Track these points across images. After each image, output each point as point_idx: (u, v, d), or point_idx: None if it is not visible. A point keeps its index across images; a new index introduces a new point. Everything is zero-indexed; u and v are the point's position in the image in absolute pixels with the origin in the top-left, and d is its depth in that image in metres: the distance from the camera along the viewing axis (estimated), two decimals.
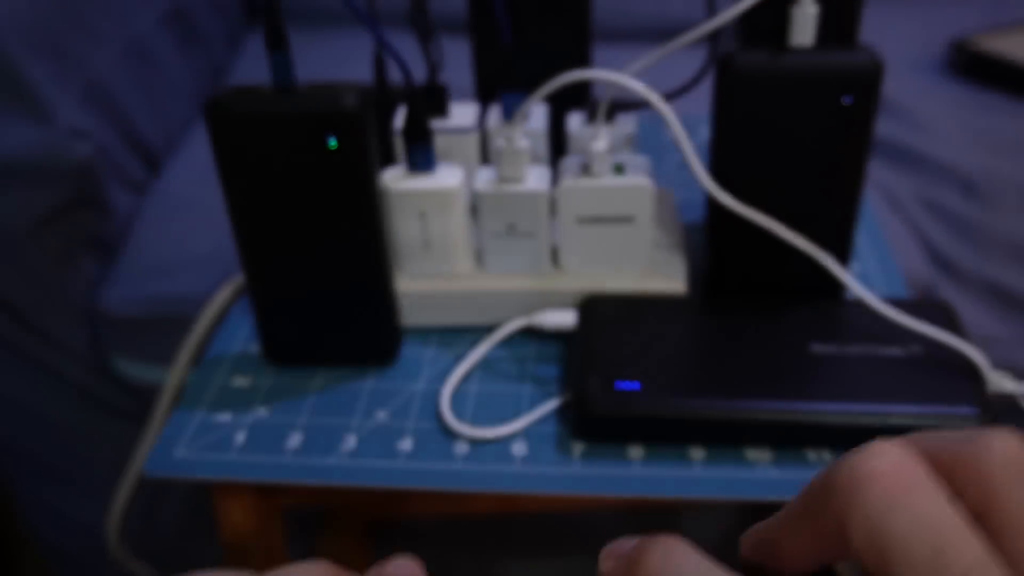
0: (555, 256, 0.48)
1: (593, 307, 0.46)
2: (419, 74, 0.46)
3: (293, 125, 0.40)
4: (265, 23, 0.38)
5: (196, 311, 0.54)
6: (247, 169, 0.41)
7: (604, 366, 0.42)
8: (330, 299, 0.45)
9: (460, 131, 0.51)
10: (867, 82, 0.41)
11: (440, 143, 0.48)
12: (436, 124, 0.47)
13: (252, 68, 1.04)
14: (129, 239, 0.73)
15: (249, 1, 1.14)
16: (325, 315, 0.46)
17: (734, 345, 0.43)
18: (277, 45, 0.39)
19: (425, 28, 0.48)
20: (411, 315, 0.49)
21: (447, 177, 0.45)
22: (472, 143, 0.52)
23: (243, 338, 0.50)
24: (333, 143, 0.40)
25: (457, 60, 0.54)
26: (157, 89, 0.83)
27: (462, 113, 0.53)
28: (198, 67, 0.95)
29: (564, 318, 0.47)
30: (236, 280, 0.54)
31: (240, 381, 0.47)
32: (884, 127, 0.83)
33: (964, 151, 0.79)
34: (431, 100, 0.49)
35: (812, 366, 0.42)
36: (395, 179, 0.45)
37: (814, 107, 0.42)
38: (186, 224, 0.73)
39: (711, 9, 0.42)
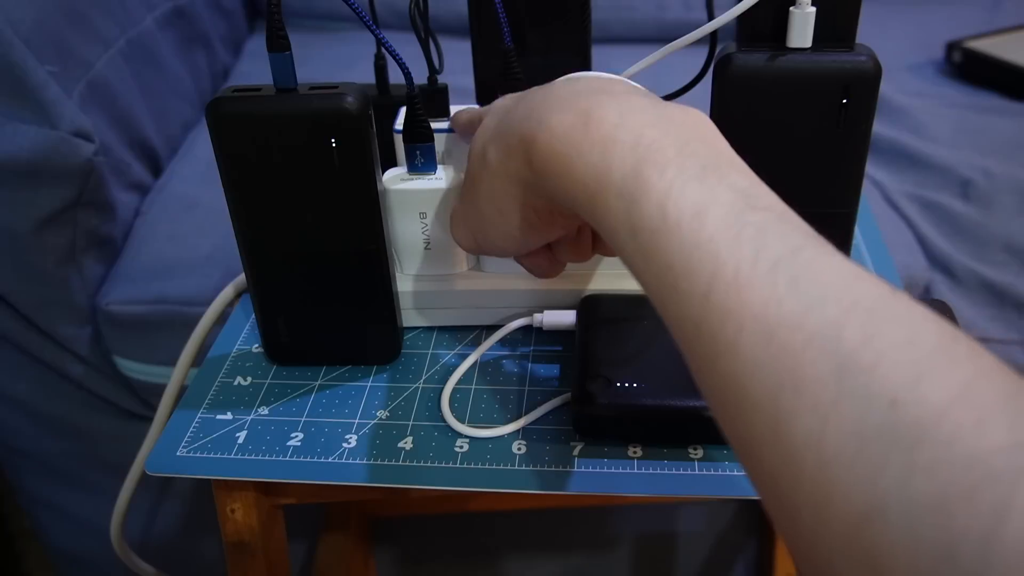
0: None
1: (593, 307, 0.46)
2: (419, 75, 0.46)
3: (294, 126, 0.40)
4: (267, 24, 0.39)
5: (198, 310, 0.54)
6: (248, 169, 0.41)
7: (604, 366, 0.42)
8: (331, 299, 0.45)
9: None
10: (866, 83, 0.41)
11: (440, 144, 0.48)
12: (436, 125, 0.47)
13: (254, 69, 1.04)
14: (131, 239, 0.73)
15: (251, 2, 1.14)
16: (326, 315, 0.46)
17: None
18: (278, 46, 0.39)
19: (426, 29, 0.48)
20: (411, 315, 0.49)
21: (447, 177, 0.46)
22: None
23: (244, 338, 0.51)
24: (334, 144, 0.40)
25: (457, 61, 0.55)
26: (159, 90, 0.83)
27: None
28: (199, 68, 0.96)
29: (564, 318, 0.47)
30: (237, 280, 0.54)
31: (241, 380, 0.47)
32: (881, 128, 0.83)
33: (960, 152, 0.79)
34: (431, 101, 0.49)
35: None
36: (395, 179, 0.46)
37: (812, 108, 0.42)
38: (187, 224, 0.73)
39: (710, 10, 0.43)
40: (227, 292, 0.54)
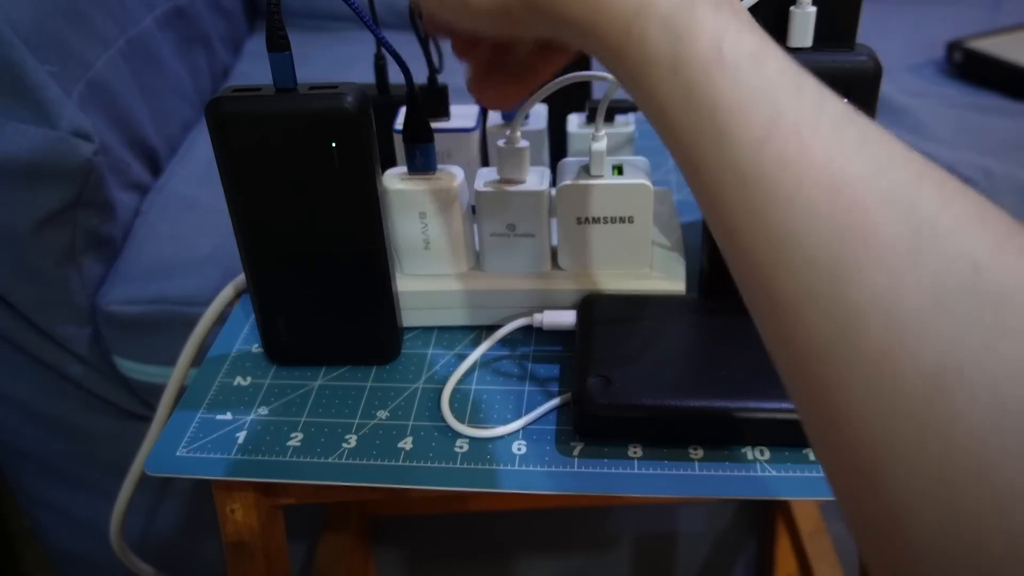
0: (555, 256, 0.49)
1: (593, 307, 0.46)
2: (420, 75, 0.46)
3: (294, 125, 0.40)
4: (267, 24, 0.39)
5: (197, 310, 0.54)
6: (248, 169, 0.41)
7: (604, 366, 0.42)
8: (331, 299, 0.45)
9: (461, 131, 0.51)
10: (866, 83, 0.41)
11: (440, 143, 0.48)
12: (436, 125, 0.47)
13: (254, 69, 1.04)
14: (130, 239, 0.73)
15: (251, 2, 1.14)
16: (326, 315, 0.46)
17: (733, 345, 0.43)
18: (278, 46, 0.39)
19: (426, 29, 0.48)
20: (411, 315, 0.49)
21: (447, 177, 0.45)
22: (473, 143, 0.52)
23: (244, 338, 0.51)
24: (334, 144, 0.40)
25: (457, 61, 0.55)
26: (158, 89, 0.83)
27: (462, 114, 0.53)
28: (199, 67, 0.96)
29: (564, 318, 0.47)
30: (237, 280, 0.54)
31: (241, 380, 0.47)
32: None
33: (960, 152, 0.79)
34: (432, 101, 0.49)
35: None
36: (395, 179, 0.46)
37: None
38: (187, 224, 0.73)
39: None
40: (227, 292, 0.54)
